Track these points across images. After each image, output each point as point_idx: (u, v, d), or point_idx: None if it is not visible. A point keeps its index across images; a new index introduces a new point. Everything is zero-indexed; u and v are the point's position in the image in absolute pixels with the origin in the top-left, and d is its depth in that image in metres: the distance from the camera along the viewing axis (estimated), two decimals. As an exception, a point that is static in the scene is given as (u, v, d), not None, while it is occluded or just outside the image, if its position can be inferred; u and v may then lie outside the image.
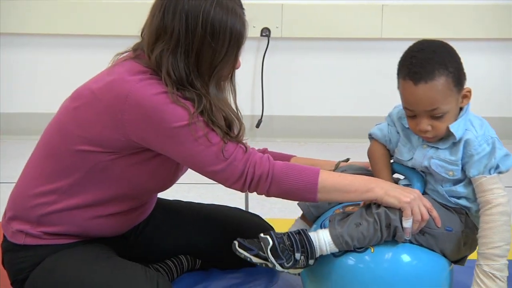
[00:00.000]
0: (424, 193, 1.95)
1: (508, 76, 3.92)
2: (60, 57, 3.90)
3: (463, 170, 1.90)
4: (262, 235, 1.88)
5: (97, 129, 1.89)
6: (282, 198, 1.95)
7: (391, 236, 1.87)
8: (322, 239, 1.88)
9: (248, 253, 1.87)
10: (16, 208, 2.00)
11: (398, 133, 1.99)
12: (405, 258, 1.90)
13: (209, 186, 2.33)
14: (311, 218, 2.08)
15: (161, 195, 2.21)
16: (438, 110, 1.82)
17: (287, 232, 1.90)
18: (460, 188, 1.91)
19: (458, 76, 1.83)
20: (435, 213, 1.89)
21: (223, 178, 1.90)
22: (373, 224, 1.86)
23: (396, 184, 1.96)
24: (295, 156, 2.23)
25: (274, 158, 2.05)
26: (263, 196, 1.94)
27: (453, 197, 1.93)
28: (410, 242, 1.90)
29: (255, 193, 1.94)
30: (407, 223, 1.85)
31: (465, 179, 1.91)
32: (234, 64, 1.93)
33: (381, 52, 3.84)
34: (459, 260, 1.98)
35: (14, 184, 2.04)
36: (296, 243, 1.87)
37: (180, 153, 1.88)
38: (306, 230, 1.91)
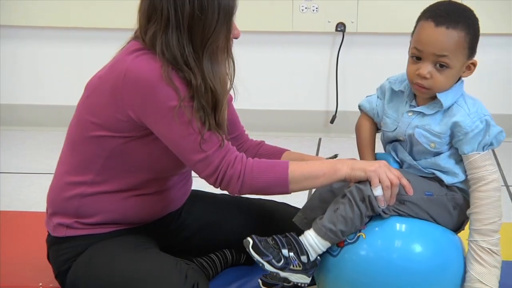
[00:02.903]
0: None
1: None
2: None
3: (448, 145, 1.90)
4: (244, 240, 1.88)
5: (105, 112, 1.96)
6: (256, 194, 1.97)
7: (370, 209, 1.88)
8: (308, 236, 1.91)
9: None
10: (54, 204, 2.09)
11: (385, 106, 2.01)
12: (400, 233, 1.91)
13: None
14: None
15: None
16: (445, 58, 1.84)
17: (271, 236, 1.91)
18: (440, 161, 1.91)
19: (474, 41, 1.87)
20: (404, 181, 1.89)
21: (199, 169, 1.94)
22: (348, 203, 1.87)
23: (362, 160, 1.98)
24: (288, 150, 2.25)
25: (268, 152, 2.10)
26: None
27: (430, 169, 1.93)
28: (398, 213, 1.90)
29: None
30: (377, 191, 1.86)
31: (446, 152, 1.91)
32: (228, 35, 1.93)
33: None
34: (458, 228, 1.98)
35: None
36: (281, 241, 1.89)
37: (166, 134, 1.92)
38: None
